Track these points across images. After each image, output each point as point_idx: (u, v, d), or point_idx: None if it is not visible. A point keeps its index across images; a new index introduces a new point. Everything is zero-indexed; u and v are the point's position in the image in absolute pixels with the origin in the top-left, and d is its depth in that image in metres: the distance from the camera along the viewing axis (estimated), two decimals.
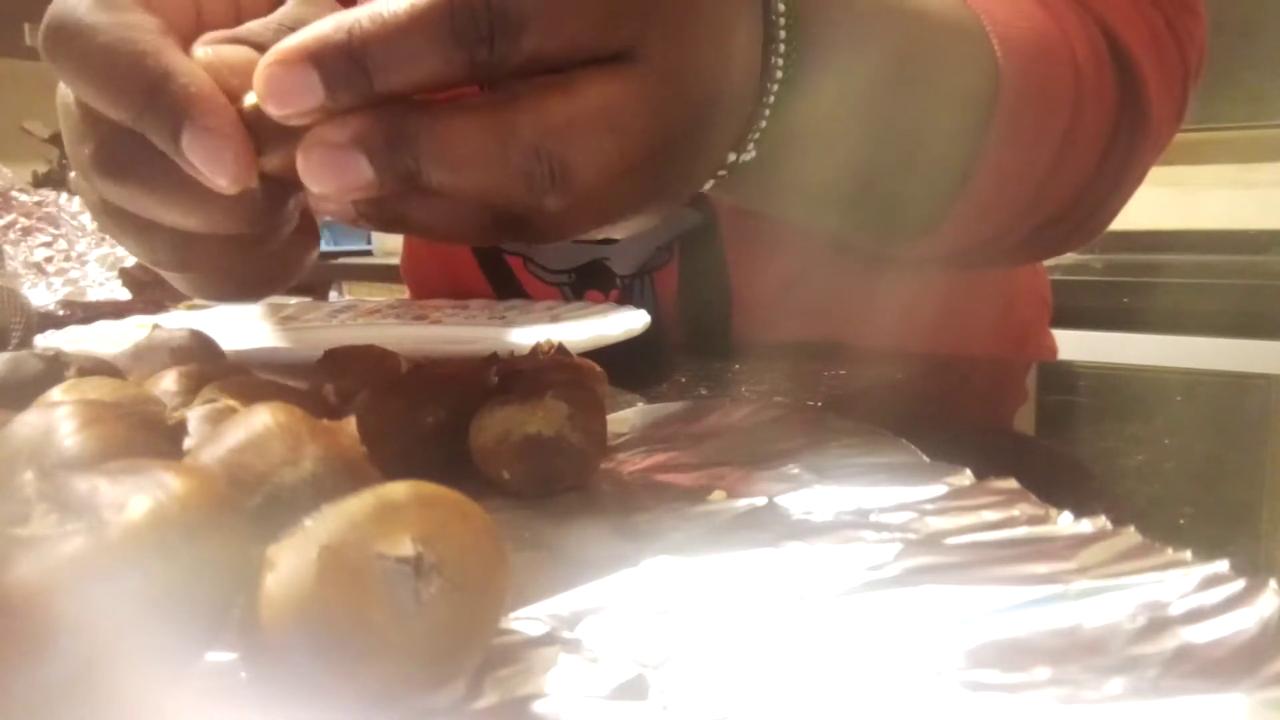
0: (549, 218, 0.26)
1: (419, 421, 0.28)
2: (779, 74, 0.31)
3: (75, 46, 0.26)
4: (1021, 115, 0.42)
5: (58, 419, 0.21)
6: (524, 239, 0.27)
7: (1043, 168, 0.44)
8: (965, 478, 0.26)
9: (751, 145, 0.32)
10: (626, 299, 0.63)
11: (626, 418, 0.35)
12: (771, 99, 0.31)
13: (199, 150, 0.25)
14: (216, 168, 0.25)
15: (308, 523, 0.16)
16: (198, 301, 0.73)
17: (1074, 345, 0.80)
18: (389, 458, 0.23)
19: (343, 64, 0.23)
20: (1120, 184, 0.48)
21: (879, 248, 0.52)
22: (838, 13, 0.34)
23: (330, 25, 0.24)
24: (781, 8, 0.31)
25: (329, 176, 0.24)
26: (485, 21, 0.23)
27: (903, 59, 0.38)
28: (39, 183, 1.87)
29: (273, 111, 0.24)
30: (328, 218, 0.31)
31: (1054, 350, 0.74)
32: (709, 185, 0.33)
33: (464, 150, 0.24)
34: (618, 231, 0.30)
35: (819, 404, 0.40)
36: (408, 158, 0.24)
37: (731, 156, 0.32)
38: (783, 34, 0.31)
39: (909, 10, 0.39)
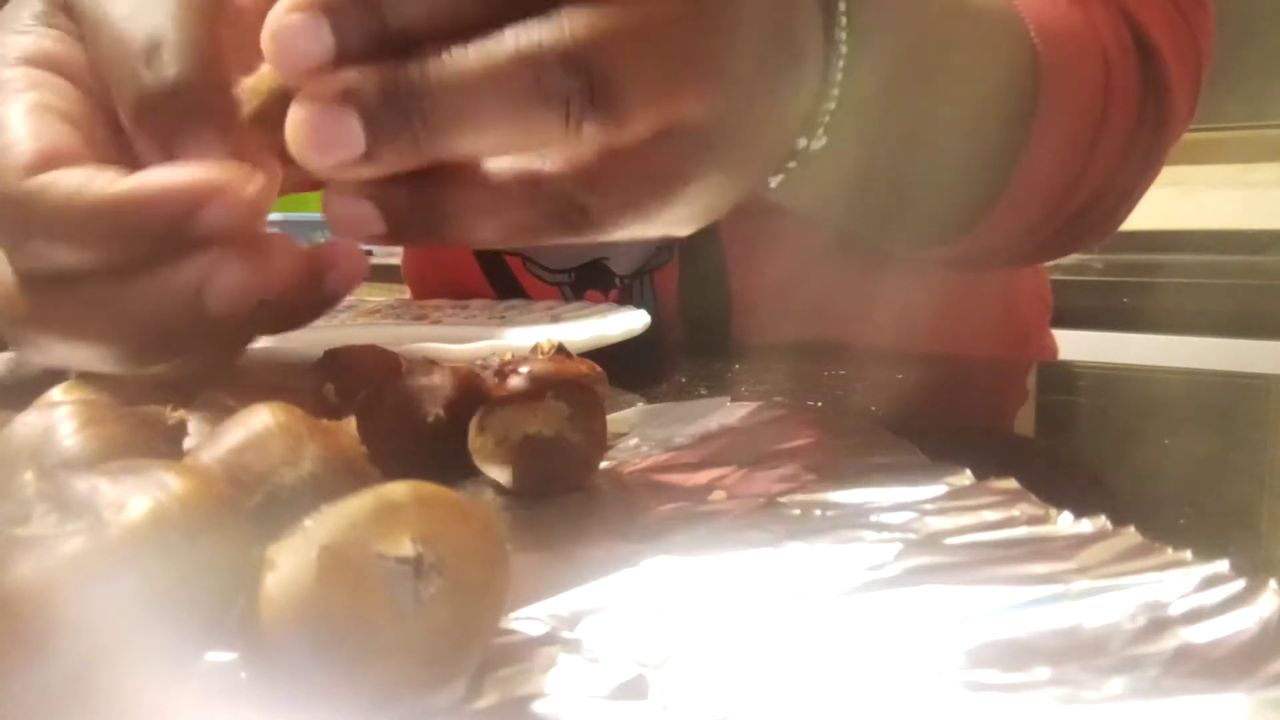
0: (607, 192, 0.23)
1: (419, 421, 0.28)
2: (843, 48, 0.30)
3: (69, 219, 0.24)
4: (1060, 106, 0.42)
5: (58, 419, 0.21)
6: (578, 229, 0.24)
7: (1078, 159, 0.44)
8: (965, 478, 0.26)
9: (821, 130, 0.31)
10: (626, 299, 0.63)
11: (626, 418, 0.35)
12: (838, 75, 0.30)
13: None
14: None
15: (308, 523, 0.16)
16: None
17: (1074, 345, 0.80)
18: (389, 458, 0.23)
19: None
20: (1143, 175, 0.47)
21: (921, 250, 0.52)
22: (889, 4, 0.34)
23: None
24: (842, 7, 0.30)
25: (314, 143, 0.22)
26: None
27: (951, 47, 0.38)
28: None
29: (287, 72, 0.22)
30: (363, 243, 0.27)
31: (1054, 350, 0.74)
32: (778, 180, 0.32)
33: (473, 82, 0.21)
34: (688, 215, 0.26)
35: (819, 404, 0.40)
36: (407, 110, 0.21)
37: (802, 142, 0.31)
38: (843, 16, 0.30)
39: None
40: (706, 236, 0.61)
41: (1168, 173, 0.49)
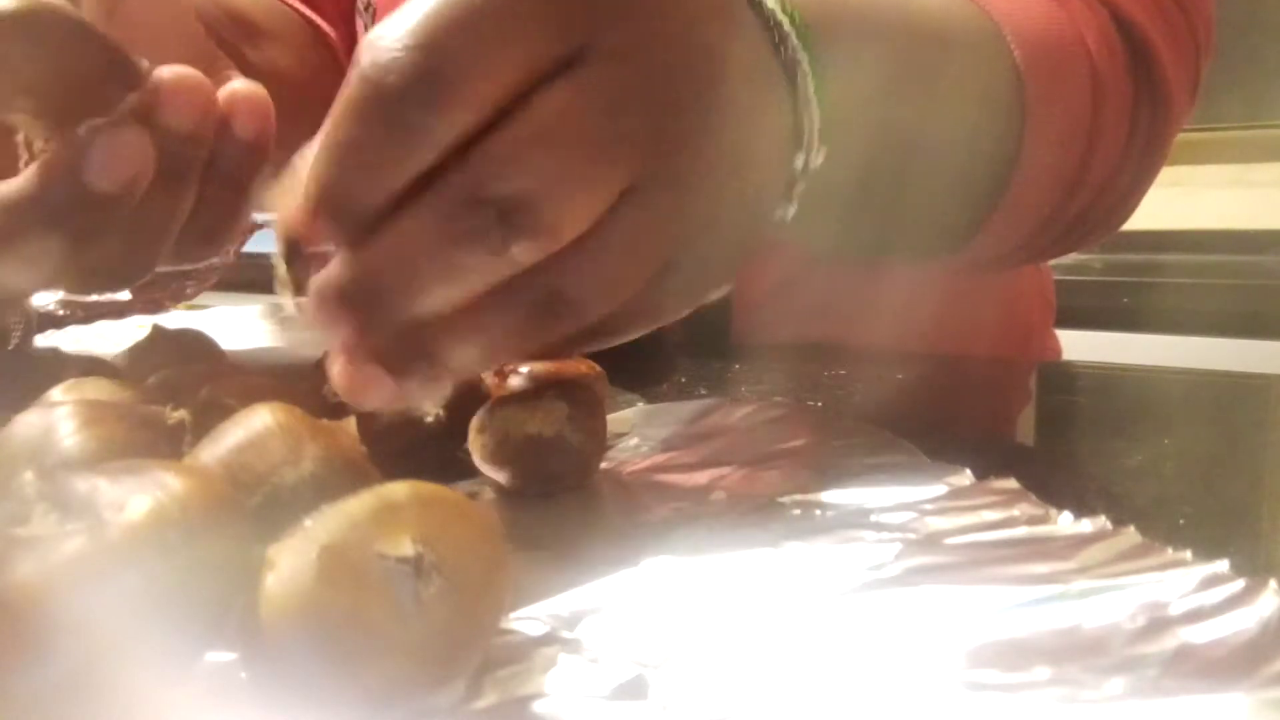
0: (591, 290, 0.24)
1: (419, 421, 0.28)
2: (804, 66, 0.29)
3: None
4: (1047, 113, 0.42)
5: (58, 419, 0.21)
6: (565, 321, 0.24)
7: (1074, 162, 0.44)
8: (965, 478, 0.26)
9: (818, 145, 0.30)
10: None
11: (626, 418, 0.35)
12: (811, 95, 0.29)
13: None
14: None
15: (308, 523, 0.16)
16: (198, 301, 0.73)
17: (1075, 345, 0.79)
18: (389, 458, 0.23)
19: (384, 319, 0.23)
20: (1145, 168, 0.47)
21: (921, 264, 0.52)
22: (848, 24, 0.33)
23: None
24: (784, 21, 0.30)
25: (367, 398, 0.24)
26: (420, 96, 0.21)
27: (923, 66, 0.38)
28: None
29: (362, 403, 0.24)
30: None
31: (1058, 351, 0.73)
32: (791, 211, 0.31)
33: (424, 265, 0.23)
34: (691, 278, 0.28)
35: (819, 404, 0.40)
36: (408, 351, 0.23)
37: (800, 160, 0.30)
38: (792, 37, 0.30)
39: (919, 16, 0.39)
40: None
41: (1167, 173, 0.49)
